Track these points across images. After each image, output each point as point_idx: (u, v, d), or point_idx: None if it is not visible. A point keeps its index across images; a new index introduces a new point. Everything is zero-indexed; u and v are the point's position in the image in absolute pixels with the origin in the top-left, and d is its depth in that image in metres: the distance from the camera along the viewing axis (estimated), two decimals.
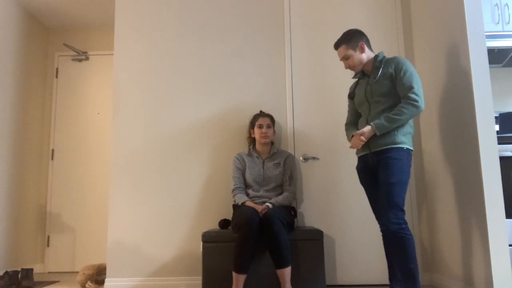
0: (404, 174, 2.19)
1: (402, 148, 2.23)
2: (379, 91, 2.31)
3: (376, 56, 2.41)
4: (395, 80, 2.29)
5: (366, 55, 2.41)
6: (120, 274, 3.04)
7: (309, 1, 3.31)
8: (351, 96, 2.55)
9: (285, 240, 2.41)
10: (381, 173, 2.23)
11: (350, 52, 2.40)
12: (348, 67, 2.45)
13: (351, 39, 2.40)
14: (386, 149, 2.24)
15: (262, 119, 2.86)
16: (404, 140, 2.24)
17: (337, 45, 2.45)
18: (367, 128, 2.27)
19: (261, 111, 2.98)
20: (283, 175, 2.84)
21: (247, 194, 2.82)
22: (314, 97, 3.20)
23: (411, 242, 2.12)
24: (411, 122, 2.30)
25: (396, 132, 2.24)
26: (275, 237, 2.39)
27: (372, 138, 2.29)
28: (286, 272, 2.40)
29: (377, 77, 2.34)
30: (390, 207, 2.16)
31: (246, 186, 2.86)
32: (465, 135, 2.41)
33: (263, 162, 2.86)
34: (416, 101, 2.19)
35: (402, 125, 2.26)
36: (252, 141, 2.96)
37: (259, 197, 2.78)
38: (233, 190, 2.83)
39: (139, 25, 3.32)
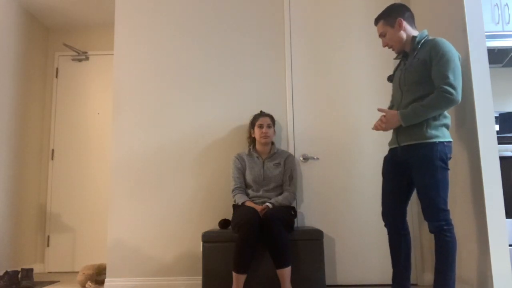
0: (438, 172, 2.02)
1: (434, 143, 2.04)
2: (411, 79, 2.12)
3: (414, 37, 2.17)
4: (430, 66, 2.07)
5: (406, 33, 2.19)
6: (120, 274, 3.04)
7: (309, 2, 3.31)
8: (390, 79, 2.34)
9: (285, 240, 2.41)
10: (414, 174, 2.10)
11: (387, 28, 2.21)
12: (386, 45, 2.26)
13: (390, 14, 2.20)
14: (416, 145, 2.08)
15: (263, 119, 2.86)
16: (436, 133, 2.05)
17: (376, 21, 2.27)
18: (393, 111, 2.13)
19: (261, 111, 2.98)
20: (283, 175, 2.84)
21: (247, 194, 2.82)
22: (314, 97, 3.20)
23: (448, 244, 2.00)
24: (445, 112, 2.10)
25: (425, 125, 2.06)
26: (275, 237, 2.39)
27: (401, 131, 2.16)
28: (286, 272, 2.40)
29: (411, 62, 2.14)
30: (428, 208, 2.05)
31: (246, 186, 2.86)
32: (465, 135, 2.41)
33: (263, 162, 2.86)
34: (450, 93, 1.98)
35: (434, 118, 2.06)
36: (252, 141, 2.96)
37: (259, 197, 2.78)
38: (233, 190, 2.83)
39: (139, 25, 3.32)
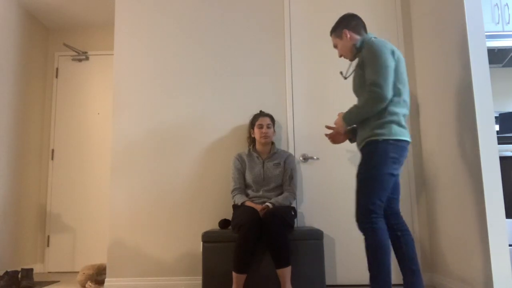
0: (373, 169, 1.98)
1: (377, 140, 2.00)
2: (357, 84, 2.15)
3: (354, 44, 2.22)
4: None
5: (352, 42, 2.22)
6: (120, 274, 3.04)
7: (309, 1, 3.31)
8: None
9: (284, 240, 2.41)
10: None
11: (337, 40, 2.28)
12: (340, 56, 2.32)
13: (337, 26, 2.28)
14: (365, 144, 2.07)
15: (262, 119, 2.85)
16: (380, 131, 2.00)
17: (330, 34, 2.34)
18: (338, 118, 2.20)
19: (261, 111, 2.98)
20: (283, 175, 2.85)
21: (247, 195, 2.82)
22: (314, 97, 3.20)
23: (371, 246, 1.94)
24: (391, 109, 2.03)
25: (370, 125, 2.05)
26: (275, 237, 2.39)
27: (358, 136, 2.17)
28: (286, 272, 2.40)
29: (354, 69, 2.20)
30: (357, 205, 2.02)
31: (246, 186, 2.86)
32: (465, 135, 2.41)
33: (263, 162, 2.86)
34: (373, 91, 1.97)
35: (378, 117, 2.03)
36: (252, 141, 2.96)
37: (259, 197, 2.77)
38: (232, 191, 2.83)
39: (139, 25, 3.32)
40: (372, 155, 2.01)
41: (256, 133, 2.86)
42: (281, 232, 2.41)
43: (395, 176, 2.03)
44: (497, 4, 2.74)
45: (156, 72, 3.27)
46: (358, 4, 3.28)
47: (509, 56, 3.04)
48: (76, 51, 4.26)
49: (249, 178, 2.82)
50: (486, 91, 2.30)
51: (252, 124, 2.92)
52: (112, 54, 4.19)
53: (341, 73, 2.37)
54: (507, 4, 2.74)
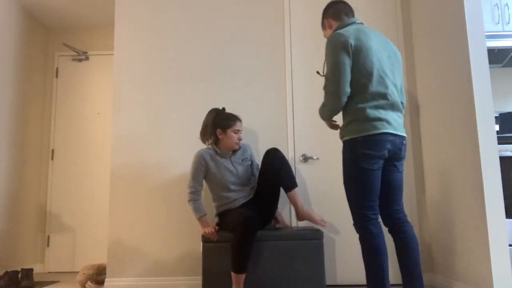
0: (349, 170, 1.98)
1: (346, 140, 1.99)
2: None
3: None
4: None
5: (332, 31, 2.17)
6: (120, 274, 3.04)
7: (309, 2, 3.31)
8: None
9: (289, 165, 2.61)
10: None
11: (324, 32, 2.23)
12: None
13: (322, 17, 2.23)
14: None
15: (240, 124, 2.76)
16: (346, 131, 1.98)
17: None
18: None
19: (224, 108, 2.83)
20: (251, 168, 2.84)
21: (227, 197, 2.70)
22: (314, 98, 3.20)
23: (362, 249, 1.93)
24: (354, 106, 1.95)
25: (342, 126, 2.04)
26: (282, 161, 2.57)
27: None
28: (298, 192, 2.55)
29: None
30: (350, 211, 2.02)
31: (222, 189, 2.71)
32: (465, 135, 2.41)
33: (231, 161, 2.76)
34: (326, 91, 1.98)
35: (345, 117, 2.01)
36: (216, 140, 2.78)
37: (244, 197, 2.71)
38: (192, 192, 2.67)
39: (139, 25, 3.32)
40: (345, 156, 2.01)
41: (230, 137, 2.71)
42: (286, 160, 2.60)
43: (375, 170, 1.92)
44: (497, 4, 2.75)
45: (156, 72, 3.27)
46: (358, 4, 3.28)
47: (509, 56, 3.04)
48: (76, 51, 4.26)
49: (222, 181, 2.69)
50: (486, 91, 2.30)
51: (224, 125, 2.72)
52: (112, 54, 4.19)
53: (318, 72, 2.29)
54: (507, 4, 2.74)
